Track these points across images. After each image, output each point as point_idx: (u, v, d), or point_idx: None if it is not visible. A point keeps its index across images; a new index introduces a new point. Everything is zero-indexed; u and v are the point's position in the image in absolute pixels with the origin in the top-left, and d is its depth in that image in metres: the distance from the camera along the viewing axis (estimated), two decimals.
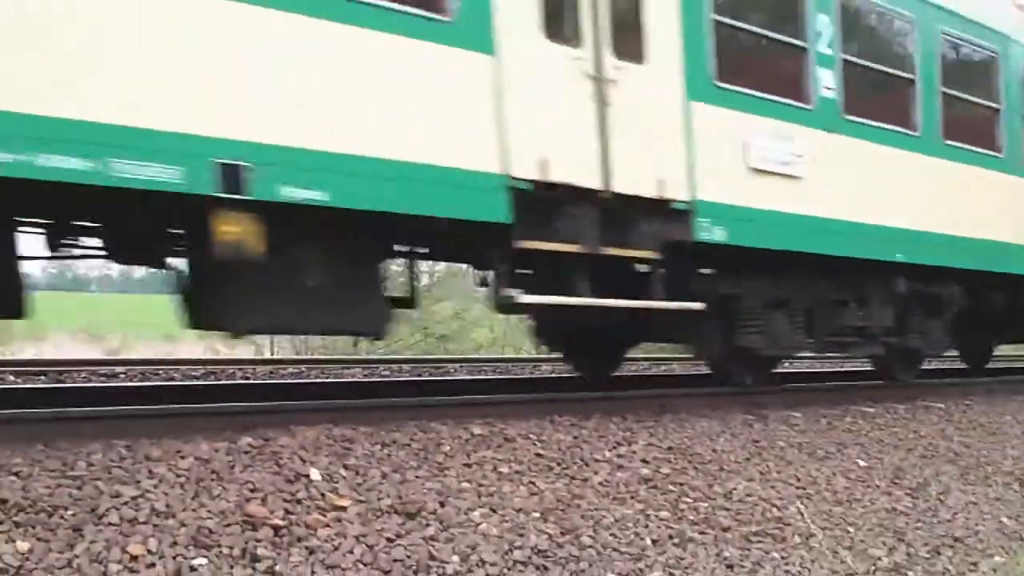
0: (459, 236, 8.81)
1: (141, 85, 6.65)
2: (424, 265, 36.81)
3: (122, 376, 11.62)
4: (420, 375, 13.22)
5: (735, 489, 8.10)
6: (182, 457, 6.28)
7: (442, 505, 6.53)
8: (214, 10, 6.97)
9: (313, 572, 5.56)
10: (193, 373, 12.27)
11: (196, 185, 6.80)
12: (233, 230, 7.16)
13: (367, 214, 7.70)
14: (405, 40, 7.86)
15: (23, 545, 5.03)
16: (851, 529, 8.02)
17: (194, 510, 5.70)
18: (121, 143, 6.47)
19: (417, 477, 6.84)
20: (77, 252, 8.93)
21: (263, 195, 7.12)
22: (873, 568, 7.61)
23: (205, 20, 6.95)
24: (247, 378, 11.94)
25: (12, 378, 10.96)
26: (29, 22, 6.26)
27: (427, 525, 6.26)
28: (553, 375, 13.94)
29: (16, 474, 5.65)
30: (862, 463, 9.52)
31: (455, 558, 6.06)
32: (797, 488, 8.49)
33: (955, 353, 16.69)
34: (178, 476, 6.02)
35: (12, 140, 6.12)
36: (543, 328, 11.81)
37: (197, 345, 38.15)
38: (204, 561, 5.35)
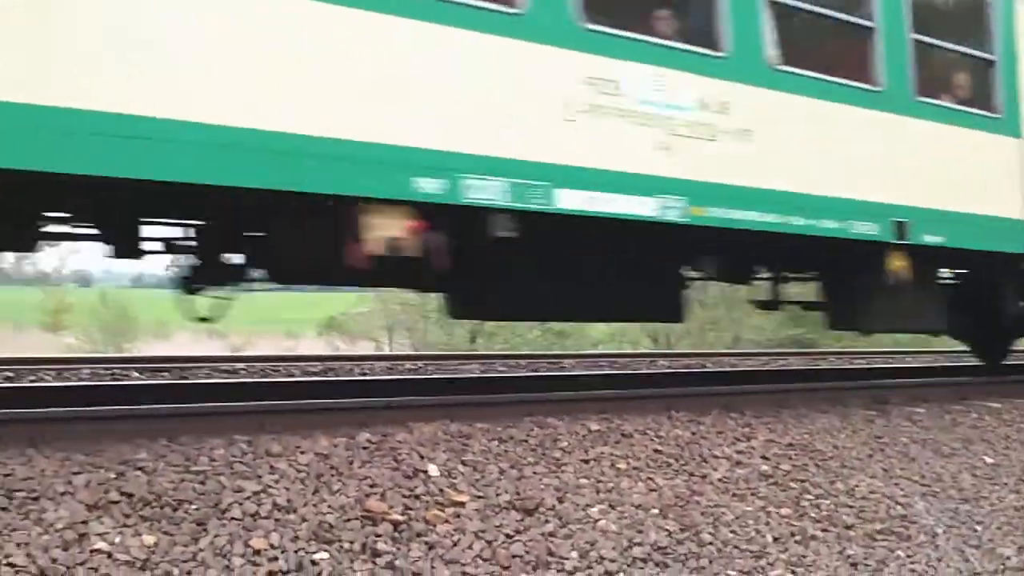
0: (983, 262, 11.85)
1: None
2: None
3: (243, 372, 11.78)
4: (537, 370, 13.20)
5: (857, 486, 7.96)
6: (302, 453, 6.35)
7: (560, 501, 6.52)
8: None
9: (433, 568, 5.59)
10: (312, 369, 12.40)
11: (883, 235, 10.08)
12: (899, 264, 10.46)
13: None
14: (973, 132, 11.09)
15: (149, 539, 5.13)
16: (978, 528, 7.84)
17: (315, 505, 5.77)
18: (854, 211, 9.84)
19: (535, 473, 6.83)
20: None
21: (914, 240, 10.32)
22: (1002, 567, 7.43)
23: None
24: (365, 374, 12.02)
25: (136, 374, 11.17)
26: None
27: (546, 521, 6.26)
28: (670, 370, 13.83)
29: (142, 469, 5.75)
30: (989, 460, 9.29)
31: (574, 554, 6.05)
32: (922, 485, 8.32)
33: None
34: (298, 472, 6.09)
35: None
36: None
37: (317, 341, 38.70)
38: (325, 556, 5.42)
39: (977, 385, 12.39)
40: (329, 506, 5.80)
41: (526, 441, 7.35)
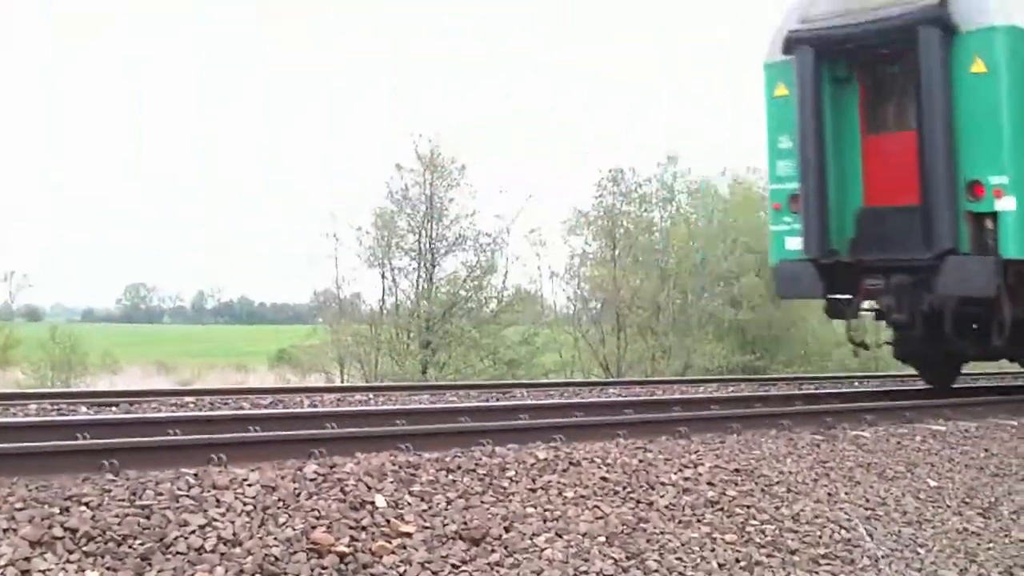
0: None
1: None
2: (493, 290, 37.20)
3: (191, 406, 11.73)
4: (487, 400, 13.22)
5: (803, 511, 8.04)
6: (249, 485, 6.35)
7: (507, 530, 6.55)
8: None
9: None
10: (262, 402, 12.36)
11: None
12: None
13: None
14: None
15: (93, 575, 5.12)
16: (921, 551, 7.93)
17: (260, 538, 5.77)
18: None
19: (482, 503, 6.87)
20: None
21: None
22: None
23: None
24: (315, 406, 12.00)
25: (85, 409, 11.10)
26: None
27: (492, 551, 6.29)
28: (620, 398, 13.89)
29: (86, 504, 5.74)
30: (932, 483, 9.41)
31: None
32: (866, 509, 8.41)
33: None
34: (245, 504, 6.09)
35: None
36: None
37: (267, 375, 38.55)
38: None
39: (922, 409, 12.54)
40: (275, 539, 5.80)
41: (474, 470, 7.38)
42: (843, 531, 7.86)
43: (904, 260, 13.08)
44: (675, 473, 8.17)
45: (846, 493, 8.65)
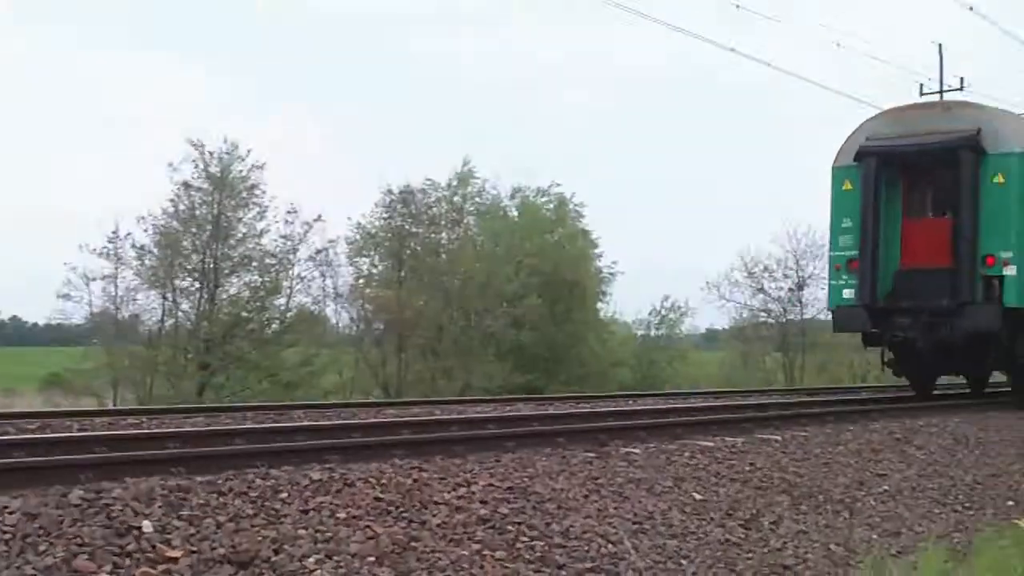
0: None
1: None
2: (276, 311, 36.82)
3: None
4: (263, 422, 13.08)
5: (572, 526, 8.23)
6: (9, 513, 6.17)
7: (276, 552, 6.52)
8: None
9: None
10: (28, 426, 11.96)
11: None
12: None
13: None
14: None
15: None
16: (684, 562, 8.20)
17: (18, 567, 5.61)
18: None
19: (253, 526, 6.82)
20: None
21: None
22: None
23: None
24: (84, 430, 11.66)
25: None
26: None
27: (260, 573, 6.25)
28: (398, 419, 13.93)
29: None
30: (698, 496, 9.74)
31: None
32: (633, 523, 8.66)
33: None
34: (4, 533, 5.92)
35: None
36: None
37: (36, 399, 37.12)
38: None
39: (690, 426, 12.97)
40: (34, 568, 5.65)
41: (246, 493, 7.33)
42: (610, 545, 8.07)
43: (930, 306, 18.76)
44: (448, 492, 8.26)
45: (615, 508, 8.88)
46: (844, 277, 19.93)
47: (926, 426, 15.40)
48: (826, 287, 21.04)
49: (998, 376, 22.54)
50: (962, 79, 34.03)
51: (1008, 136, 18.91)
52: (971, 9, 24.36)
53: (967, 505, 11.91)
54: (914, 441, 14.10)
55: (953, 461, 13.59)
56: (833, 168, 20.38)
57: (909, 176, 19.86)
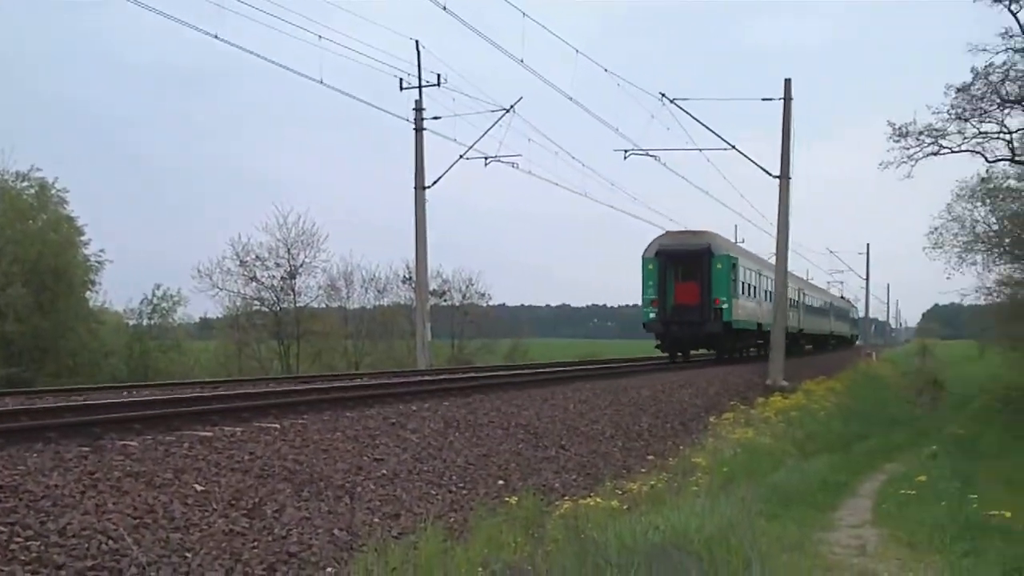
0: None
1: None
2: None
3: None
4: None
5: (69, 524, 7.92)
6: None
7: None
8: None
9: None
10: None
11: None
12: None
13: None
14: None
15: None
16: (189, 555, 8.09)
17: None
18: None
19: None
20: None
21: None
22: None
23: None
24: None
25: None
26: None
27: None
28: None
29: None
30: (199, 488, 9.63)
31: None
32: (134, 518, 8.44)
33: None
34: None
35: None
36: None
37: None
38: None
39: (187, 417, 12.79)
40: None
41: None
42: (110, 542, 7.83)
43: (689, 321, 38.32)
44: None
45: (114, 503, 8.63)
46: (650, 308, 38.49)
47: (419, 411, 15.95)
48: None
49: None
50: (439, 75, 35.92)
51: (721, 247, 39.69)
52: (444, 8, 25.39)
53: (460, 485, 12.49)
54: (408, 425, 14.57)
55: (445, 444, 14.18)
56: (643, 258, 38.93)
57: (678, 263, 38.69)
